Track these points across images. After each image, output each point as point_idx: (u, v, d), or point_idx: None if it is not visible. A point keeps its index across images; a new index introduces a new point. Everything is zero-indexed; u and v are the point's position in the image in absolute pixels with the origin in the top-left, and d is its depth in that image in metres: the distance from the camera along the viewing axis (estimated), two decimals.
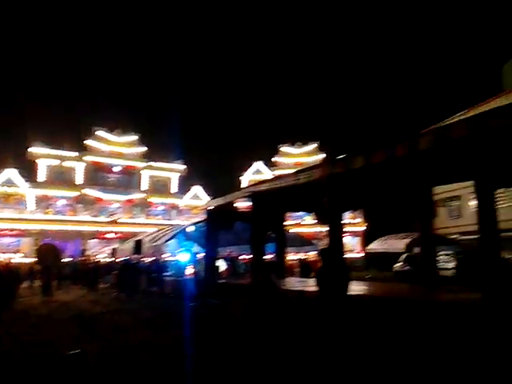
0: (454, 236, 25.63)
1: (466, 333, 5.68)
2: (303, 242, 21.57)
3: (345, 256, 9.07)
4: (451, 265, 17.83)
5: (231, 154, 70.59)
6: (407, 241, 25.04)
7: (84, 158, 38.70)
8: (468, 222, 22.82)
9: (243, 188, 15.52)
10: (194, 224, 18.92)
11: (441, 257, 16.21)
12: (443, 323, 6.08)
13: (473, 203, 7.12)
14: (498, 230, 6.10)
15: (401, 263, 21.84)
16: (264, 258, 12.15)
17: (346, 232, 29.57)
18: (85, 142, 39.14)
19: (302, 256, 21.95)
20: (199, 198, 43.48)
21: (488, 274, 5.95)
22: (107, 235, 37.80)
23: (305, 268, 17.40)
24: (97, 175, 39.36)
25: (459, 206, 29.62)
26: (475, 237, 6.50)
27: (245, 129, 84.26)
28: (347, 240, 32.49)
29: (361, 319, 7.27)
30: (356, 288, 9.34)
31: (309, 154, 45.48)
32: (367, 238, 36.60)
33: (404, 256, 22.00)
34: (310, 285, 8.23)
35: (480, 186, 6.17)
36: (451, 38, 78.61)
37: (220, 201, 14.26)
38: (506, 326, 5.37)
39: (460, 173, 8.25)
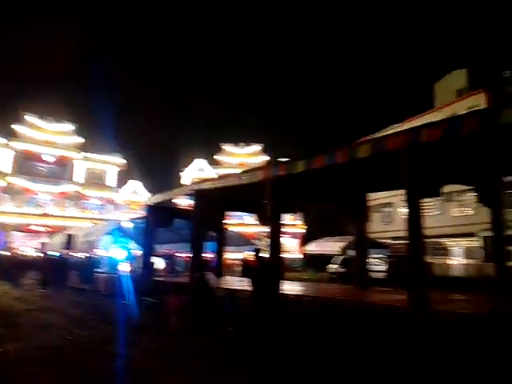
0: (386, 240, 27.18)
1: (390, 332, 6.06)
2: (244, 241, 21.67)
3: (282, 256, 9.28)
4: (382, 267, 18.98)
5: (173, 151, 69.37)
6: (342, 244, 26.13)
7: (11, 144, 35.99)
8: (398, 227, 24.31)
9: (185, 185, 15.30)
10: (132, 220, 18.33)
11: (373, 260, 17.17)
12: (370, 321, 6.45)
13: (403, 210, 7.68)
14: (423, 236, 6.59)
15: (336, 265, 22.79)
16: (203, 256, 12.07)
17: (286, 233, 30.23)
18: (13, 127, 36.40)
19: (242, 255, 22.07)
20: (138, 193, 42.20)
21: (413, 276, 6.39)
22: (35, 228, 35.43)
23: (246, 267, 17.54)
24: (26, 164, 36.74)
25: (391, 213, 31.49)
26: (404, 242, 6.96)
27: (187, 126, 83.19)
28: (287, 241, 33.20)
29: (290, 317, 7.50)
30: (289, 288, 9.59)
31: (253, 154, 45.89)
32: (306, 239, 37.70)
33: (340, 258, 22.99)
34: (245, 283, 8.35)
35: (410, 195, 6.61)
36: (393, 58, 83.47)
37: (161, 197, 13.95)
38: (428, 324, 5.81)
39: (392, 181, 8.77)
